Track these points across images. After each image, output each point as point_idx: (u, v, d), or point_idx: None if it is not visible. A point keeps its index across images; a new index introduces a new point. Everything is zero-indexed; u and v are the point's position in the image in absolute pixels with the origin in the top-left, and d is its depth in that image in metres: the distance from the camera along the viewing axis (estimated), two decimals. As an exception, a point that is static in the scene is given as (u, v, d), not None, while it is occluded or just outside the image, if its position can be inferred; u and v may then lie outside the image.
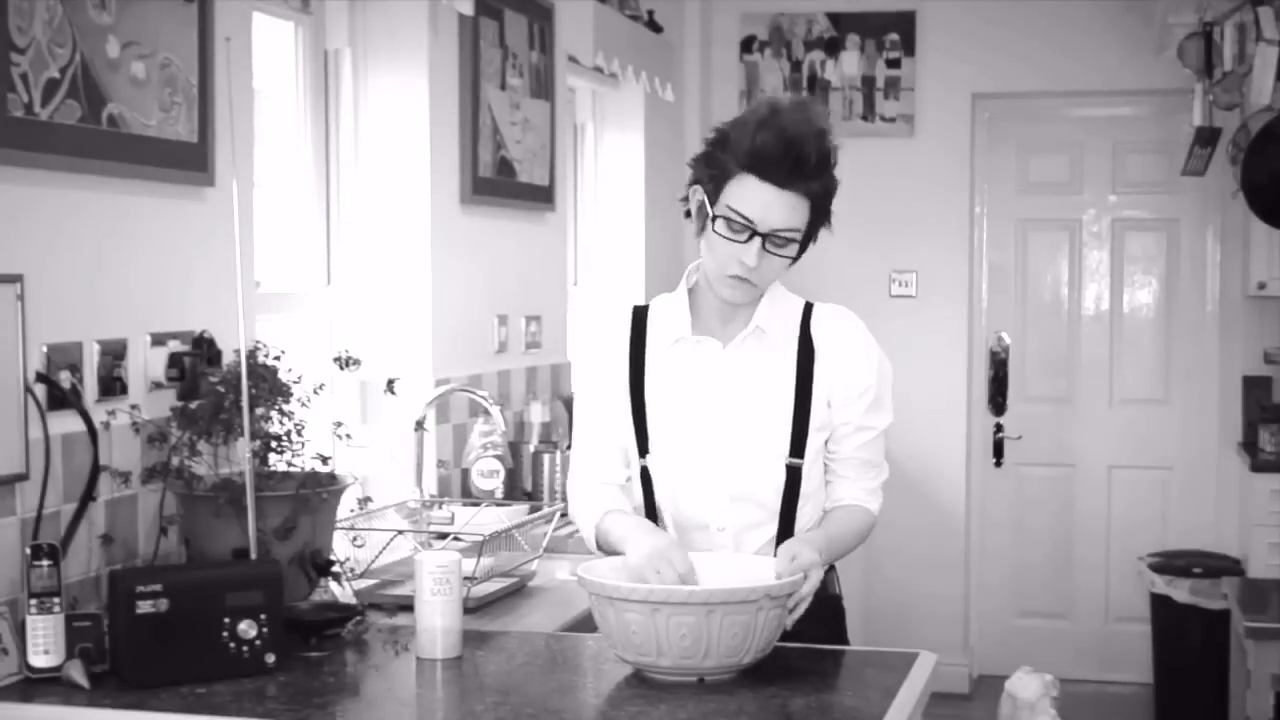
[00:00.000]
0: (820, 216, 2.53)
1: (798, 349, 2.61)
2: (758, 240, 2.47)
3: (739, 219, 2.47)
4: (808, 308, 2.66)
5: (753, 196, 2.46)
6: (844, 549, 2.66)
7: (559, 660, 2.57)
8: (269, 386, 2.76)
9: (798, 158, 2.44)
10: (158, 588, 2.38)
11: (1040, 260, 6.58)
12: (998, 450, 6.60)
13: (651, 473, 2.65)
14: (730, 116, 2.60)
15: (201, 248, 3.01)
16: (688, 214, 2.61)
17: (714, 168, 2.50)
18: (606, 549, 2.62)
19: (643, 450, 2.65)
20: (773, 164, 2.44)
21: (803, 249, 2.56)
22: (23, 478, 2.53)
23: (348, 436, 2.96)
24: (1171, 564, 5.86)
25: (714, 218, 2.50)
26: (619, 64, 5.13)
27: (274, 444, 2.76)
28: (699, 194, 2.55)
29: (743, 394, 2.61)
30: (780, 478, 2.60)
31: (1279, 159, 5.20)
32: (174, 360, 2.87)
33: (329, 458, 2.85)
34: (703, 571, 2.48)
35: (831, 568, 2.76)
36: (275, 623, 2.45)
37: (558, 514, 3.53)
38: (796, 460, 2.60)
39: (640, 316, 2.69)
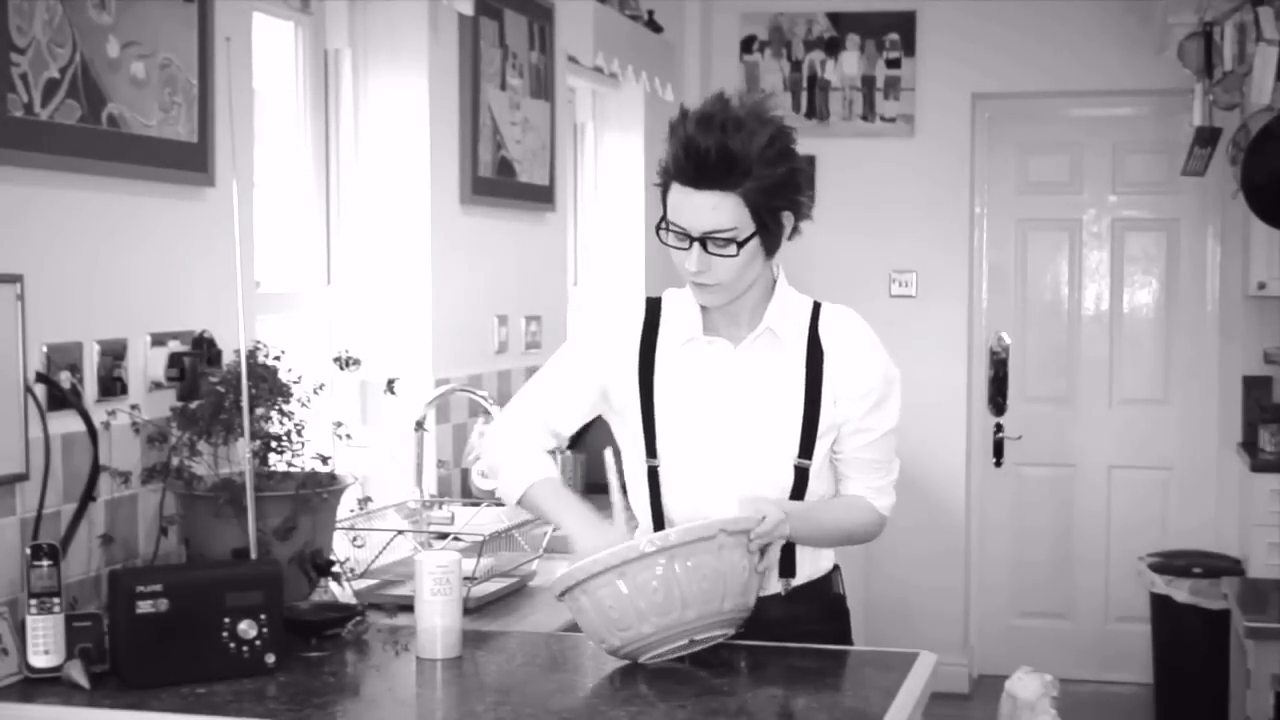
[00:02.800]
0: (764, 212, 2.48)
1: (807, 350, 2.61)
2: (696, 245, 2.48)
3: (676, 227, 2.50)
4: (816, 308, 2.66)
5: (679, 203, 2.49)
6: (825, 527, 2.63)
7: (559, 660, 2.57)
8: (269, 386, 2.76)
9: (698, 159, 2.44)
10: (158, 588, 2.38)
11: (1040, 260, 6.58)
12: (998, 450, 6.60)
13: (660, 473, 2.64)
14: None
15: (201, 248, 3.01)
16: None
17: (660, 182, 2.56)
18: (530, 510, 2.66)
19: (651, 451, 2.64)
20: (682, 169, 2.47)
21: (768, 245, 2.53)
22: (23, 478, 2.53)
23: (348, 436, 2.96)
24: (1171, 564, 5.86)
25: (664, 229, 2.53)
26: (619, 64, 5.13)
27: (274, 444, 2.76)
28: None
29: (753, 395, 2.60)
30: (788, 479, 2.60)
31: (1279, 159, 5.20)
32: (174, 360, 2.87)
33: (329, 458, 2.85)
34: None
35: (836, 567, 2.76)
36: (275, 623, 2.45)
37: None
38: (805, 461, 2.60)
39: (653, 310, 2.67)
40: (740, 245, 2.47)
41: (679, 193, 2.48)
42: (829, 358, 2.61)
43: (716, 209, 2.45)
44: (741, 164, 2.43)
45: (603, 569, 2.29)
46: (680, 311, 2.65)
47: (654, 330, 2.65)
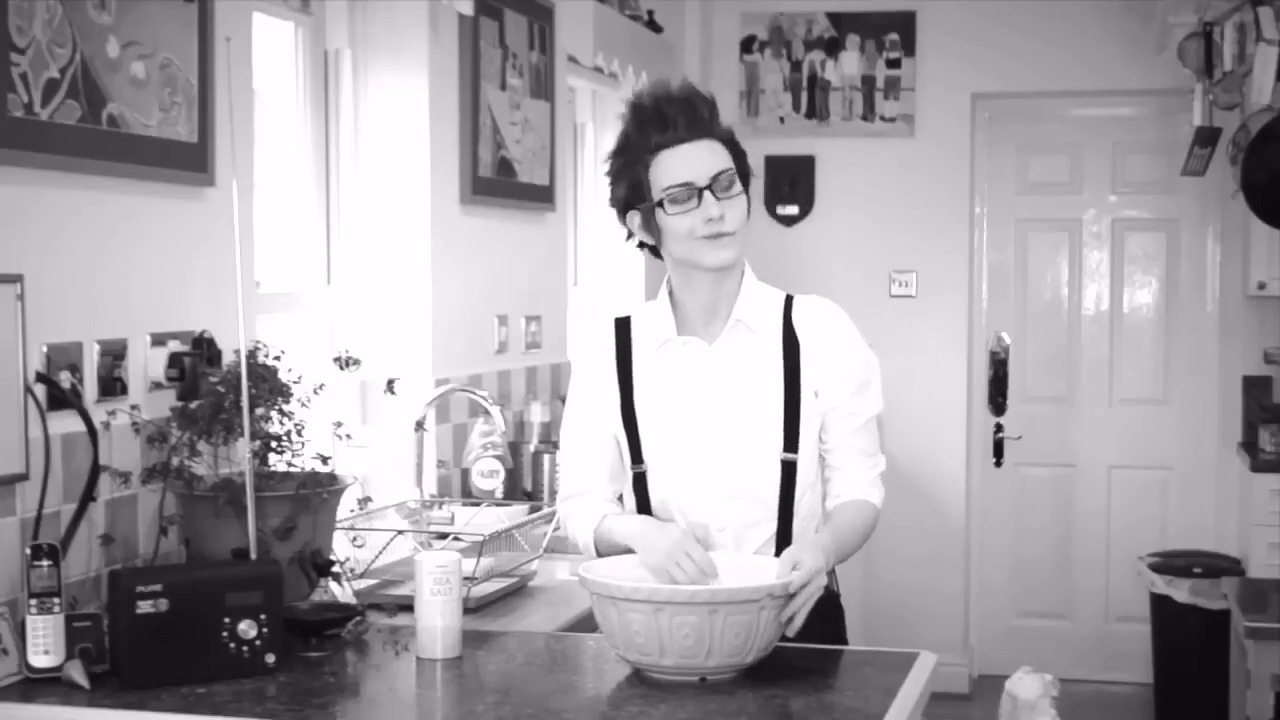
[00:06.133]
0: (740, 159, 2.60)
1: (782, 342, 2.62)
2: (707, 194, 2.52)
3: (678, 188, 2.53)
4: (789, 300, 2.67)
5: (676, 163, 2.55)
6: (853, 547, 2.65)
7: (559, 660, 2.57)
8: (269, 386, 2.76)
9: (683, 109, 2.55)
10: (158, 588, 2.38)
11: (1040, 260, 6.58)
12: (998, 450, 6.60)
13: (647, 478, 2.65)
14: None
15: (201, 248, 3.01)
16: (640, 245, 2.66)
17: (628, 180, 2.60)
18: (608, 552, 2.63)
19: (636, 457, 2.65)
20: (671, 129, 2.55)
21: (748, 197, 2.61)
22: (23, 478, 2.53)
23: (348, 436, 2.96)
24: (1171, 564, 5.86)
25: (658, 205, 2.56)
26: (619, 64, 5.13)
27: (274, 444, 2.76)
28: (635, 217, 2.62)
29: (732, 390, 2.61)
30: (776, 473, 2.61)
31: (1279, 159, 5.19)
32: (174, 360, 2.87)
33: (329, 458, 2.84)
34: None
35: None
36: (275, 623, 2.45)
37: (557, 514, 3.53)
38: (791, 455, 2.60)
39: (623, 326, 2.70)
40: (744, 183, 2.57)
41: (671, 155, 2.54)
42: (805, 347, 2.62)
43: (714, 152, 2.55)
44: (713, 109, 2.58)
45: (643, 599, 2.28)
46: (652, 319, 2.67)
47: (626, 342, 2.67)
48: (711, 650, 2.29)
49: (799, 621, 2.38)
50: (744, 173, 2.60)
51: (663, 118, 2.54)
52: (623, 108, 2.71)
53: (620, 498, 2.72)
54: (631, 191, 2.59)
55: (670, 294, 2.66)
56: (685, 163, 2.53)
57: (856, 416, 2.66)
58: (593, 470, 2.71)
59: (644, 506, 2.66)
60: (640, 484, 2.66)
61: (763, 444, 2.60)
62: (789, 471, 2.61)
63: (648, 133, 2.55)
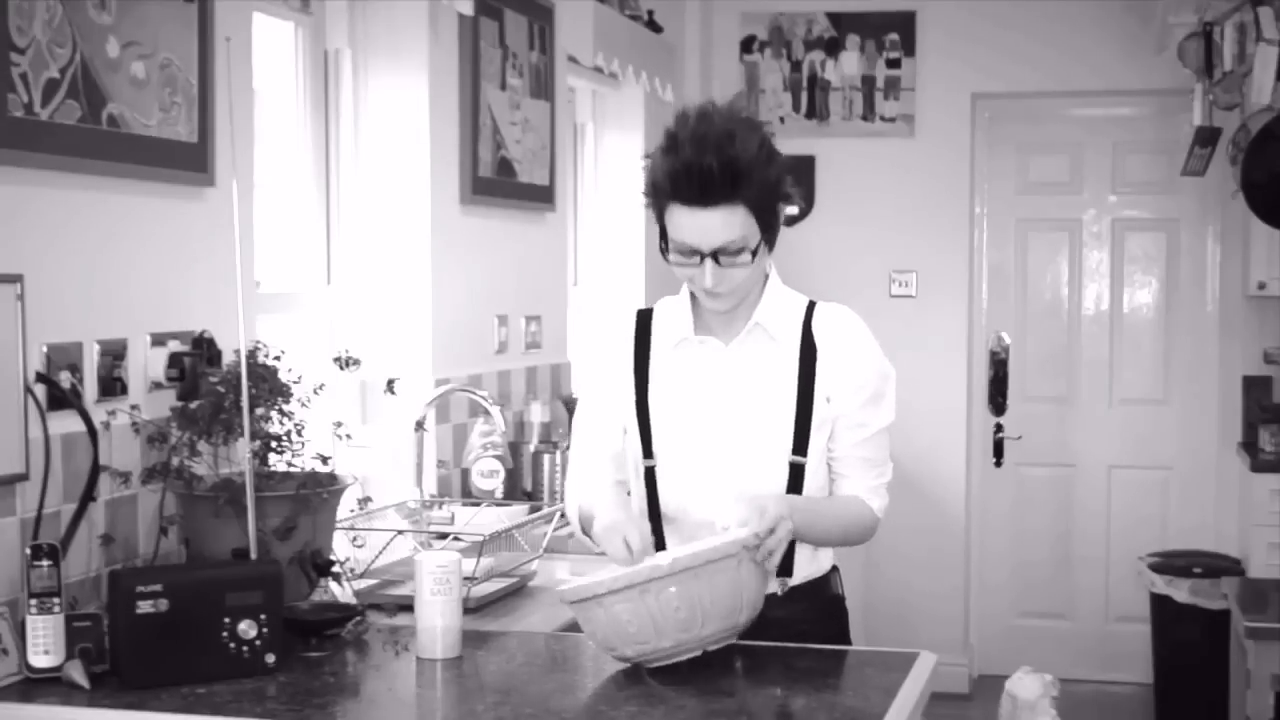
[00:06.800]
0: (768, 214, 2.50)
1: (800, 347, 2.62)
2: (708, 261, 2.48)
3: (682, 245, 2.49)
4: (810, 306, 2.67)
5: (685, 224, 2.47)
6: (826, 524, 2.62)
7: (559, 660, 2.57)
8: (269, 387, 2.76)
9: (702, 176, 2.42)
10: (158, 588, 2.38)
11: (1040, 260, 6.58)
12: (998, 450, 6.60)
13: (656, 473, 2.65)
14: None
15: (201, 248, 3.01)
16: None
17: (653, 199, 2.54)
18: (587, 527, 2.64)
19: (647, 452, 2.65)
20: (685, 190, 2.44)
21: (770, 243, 2.55)
22: (23, 478, 2.53)
23: (348, 436, 2.96)
24: (1171, 564, 5.86)
25: (666, 248, 2.53)
26: (619, 64, 5.13)
27: (274, 444, 2.76)
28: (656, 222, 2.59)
29: (745, 392, 2.61)
30: (784, 476, 2.60)
31: (1279, 159, 5.20)
32: (174, 360, 2.87)
33: (329, 458, 2.85)
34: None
35: (834, 568, 2.76)
36: (275, 623, 2.45)
37: (557, 514, 3.53)
38: (799, 458, 2.60)
39: (644, 319, 2.70)
40: (753, 253, 2.49)
41: (683, 213, 2.46)
42: (822, 354, 2.61)
43: (727, 223, 2.45)
44: (744, 175, 2.44)
45: (624, 586, 2.28)
46: (672, 315, 2.67)
47: (646, 337, 2.67)
48: (706, 617, 2.29)
49: (775, 559, 2.38)
50: (769, 225, 2.50)
51: (686, 177, 2.43)
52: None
53: (629, 492, 2.73)
54: (653, 209, 2.55)
55: (691, 292, 2.66)
56: (695, 227, 2.46)
57: (866, 427, 2.65)
58: (596, 456, 2.71)
59: (653, 502, 2.66)
60: (650, 479, 2.66)
61: (772, 446, 2.60)
62: (797, 474, 2.61)
63: (669, 181, 2.46)
